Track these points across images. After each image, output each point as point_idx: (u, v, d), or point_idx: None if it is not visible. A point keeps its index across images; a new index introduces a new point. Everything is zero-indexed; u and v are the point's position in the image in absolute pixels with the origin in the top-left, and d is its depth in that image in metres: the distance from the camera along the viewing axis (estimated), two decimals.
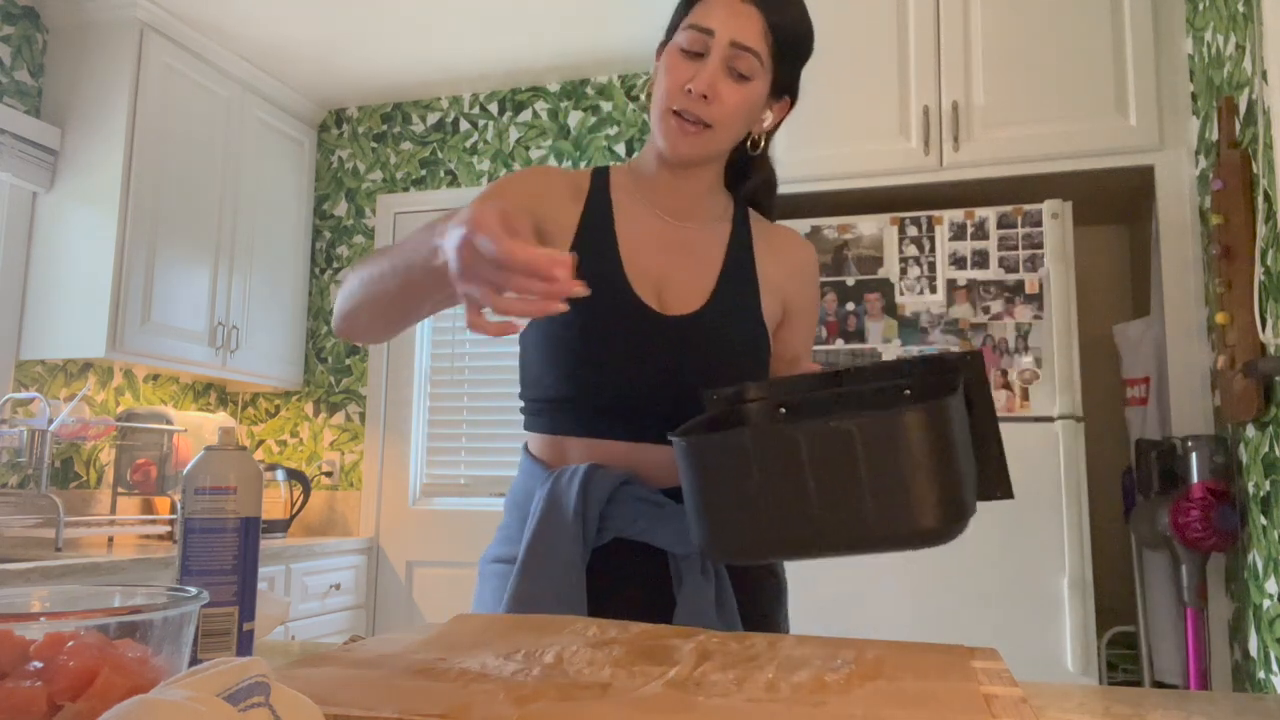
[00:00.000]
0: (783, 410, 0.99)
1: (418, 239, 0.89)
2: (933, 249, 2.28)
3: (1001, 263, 2.22)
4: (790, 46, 1.08)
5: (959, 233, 2.26)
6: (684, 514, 1.02)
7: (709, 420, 0.96)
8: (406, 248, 0.92)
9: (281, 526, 3.38)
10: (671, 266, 1.11)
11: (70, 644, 0.50)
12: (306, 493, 3.47)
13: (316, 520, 3.68)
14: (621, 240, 1.11)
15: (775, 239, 1.20)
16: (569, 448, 1.09)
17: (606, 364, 1.06)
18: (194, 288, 3.20)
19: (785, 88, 1.13)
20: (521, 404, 1.15)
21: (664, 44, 1.11)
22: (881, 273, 2.31)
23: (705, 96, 1.03)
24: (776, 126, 1.17)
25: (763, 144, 1.17)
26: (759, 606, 1.10)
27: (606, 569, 1.04)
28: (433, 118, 3.80)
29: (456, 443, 3.60)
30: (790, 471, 0.79)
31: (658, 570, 1.05)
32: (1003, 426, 2.19)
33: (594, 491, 1.03)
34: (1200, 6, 2.19)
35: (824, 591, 2.22)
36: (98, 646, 0.50)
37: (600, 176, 1.17)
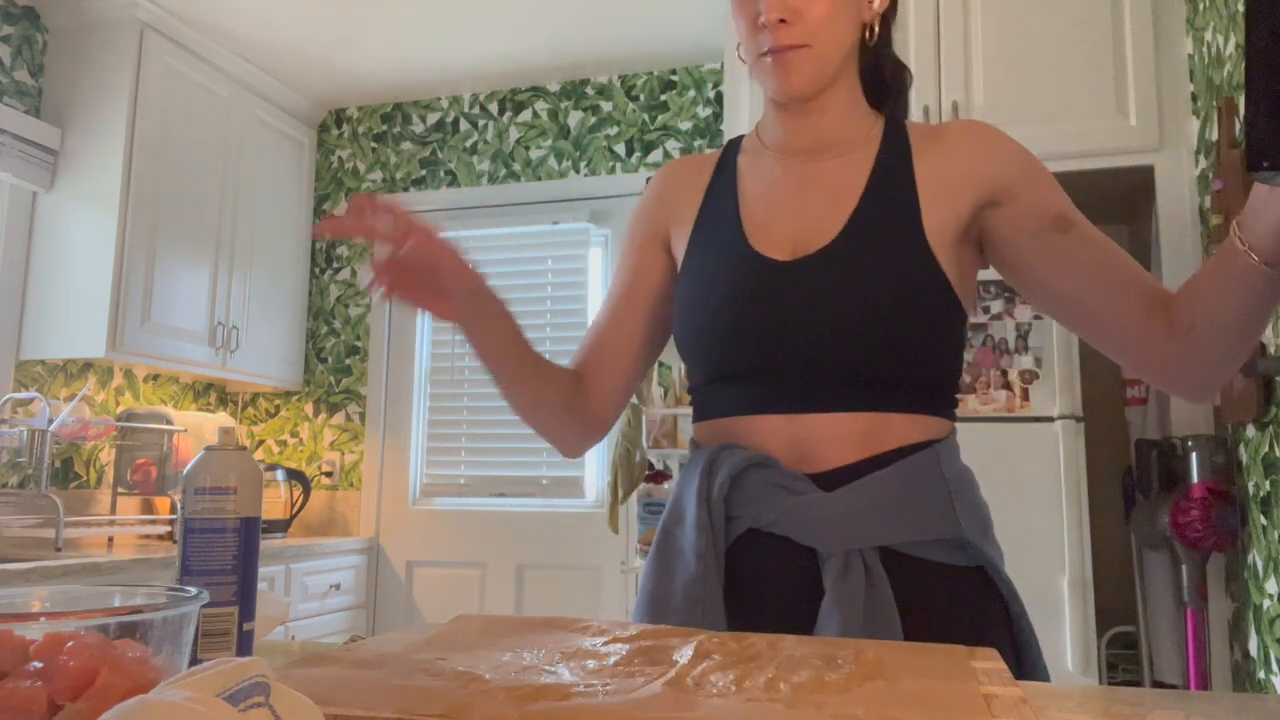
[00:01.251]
0: None
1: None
2: None
3: None
4: None
5: None
6: (825, 501, 0.88)
7: None
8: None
9: (281, 526, 3.38)
10: (802, 208, 0.97)
11: (70, 644, 0.50)
12: (306, 493, 3.47)
13: (316, 520, 3.68)
14: (743, 197, 1.01)
15: (945, 136, 0.98)
16: (719, 428, 0.97)
17: (729, 328, 0.93)
18: (194, 288, 3.20)
19: None
20: (689, 397, 1.12)
21: None
22: None
23: (783, 20, 0.90)
24: (893, 3, 1.00)
25: (879, 29, 1.00)
26: (959, 621, 0.88)
27: (746, 565, 0.91)
28: (433, 118, 3.80)
29: (456, 443, 3.60)
30: None
31: (802, 568, 0.88)
32: (1003, 426, 2.20)
33: (717, 474, 0.91)
34: (1200, 6, 2.19)
35: None
36: (98, 646, 0.50)
37: (732, 147, 1.08)
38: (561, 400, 1.03)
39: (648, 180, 2.97)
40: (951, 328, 0.94)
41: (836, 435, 0.90)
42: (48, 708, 0.48)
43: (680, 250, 1.04)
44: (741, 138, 1.09)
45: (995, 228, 0.95)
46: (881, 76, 1.04)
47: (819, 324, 0.90)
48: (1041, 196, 0.93)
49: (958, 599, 0.89)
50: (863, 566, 0.85)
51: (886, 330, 0.89)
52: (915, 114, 2.45)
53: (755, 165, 1.03)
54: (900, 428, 0.91)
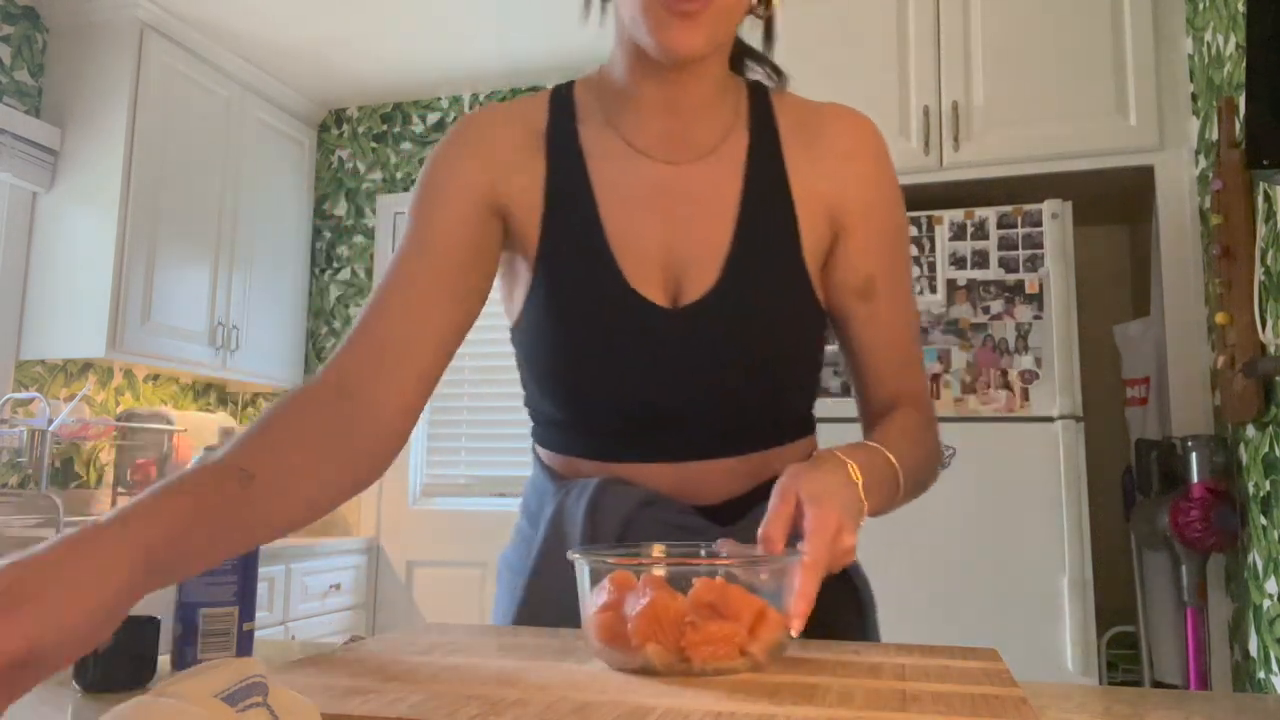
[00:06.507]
0: None
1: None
2: (933, 249, 2.28)
3: (1001, 263, 2.22)
4: None
5: (959, 233, 2.26)
6: (723, 536, 0.81)
7: None
8: None
9: None
10: (676, 230, 0.84)
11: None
12: None
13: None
14: (604, 206, 0.84)
15: (815, 126, 0.88)
16: (583, 468, 0.88)
17: (610, 383, 0.83)
18: (194, 288, 3.20)
19: None
20: (527, 409, 0.94)
21: None
22: None
23: None
24: None
25: (775, 2, 0.87)
26: (833, 618, 0.82)
27: None
28: (433, 118, 3.80)
29: (456, 443, 3.60)
30: None
31: None
32: (1003, 426, 2.20)
33: (604, 518, 0.82)
34: (1200, 6, 2.19)
35: None
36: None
37: (561, 108, 0.89)
38: (327, 486, 0.72)
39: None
40: (820, 354, 0.91)
41: (723, 474, 0.86)
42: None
43: (523, 248, 0.86)
44: (569, 92, 0.91)
45: (826, 260, 0.89)
46: (738, 47, 0.92)
47: (705, 379, 0.83)
48: (869, 245, 0.87)
49: (824, 601, 0.85)
50: None
51: (773, 379, 0.86)
52: (915, 114, 2.45)
53: (607, 155, 0.86)
54: (782, 456, 0.89)
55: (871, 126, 0.89)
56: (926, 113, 2.44)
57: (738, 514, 0.86)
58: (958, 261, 2.25)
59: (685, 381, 0.83)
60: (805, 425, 0.93)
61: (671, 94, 0.84)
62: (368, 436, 0.76)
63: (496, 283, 0.91)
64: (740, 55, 0.93)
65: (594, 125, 0.87)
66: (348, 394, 0.76)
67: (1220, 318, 1.85)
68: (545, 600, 0.84)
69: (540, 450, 0.94)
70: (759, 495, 0.85)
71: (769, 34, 0.90)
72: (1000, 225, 2.24)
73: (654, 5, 0.76)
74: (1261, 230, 1.74)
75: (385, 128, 3.85)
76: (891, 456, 0.78)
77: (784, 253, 0.84)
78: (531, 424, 0.95)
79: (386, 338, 0.79)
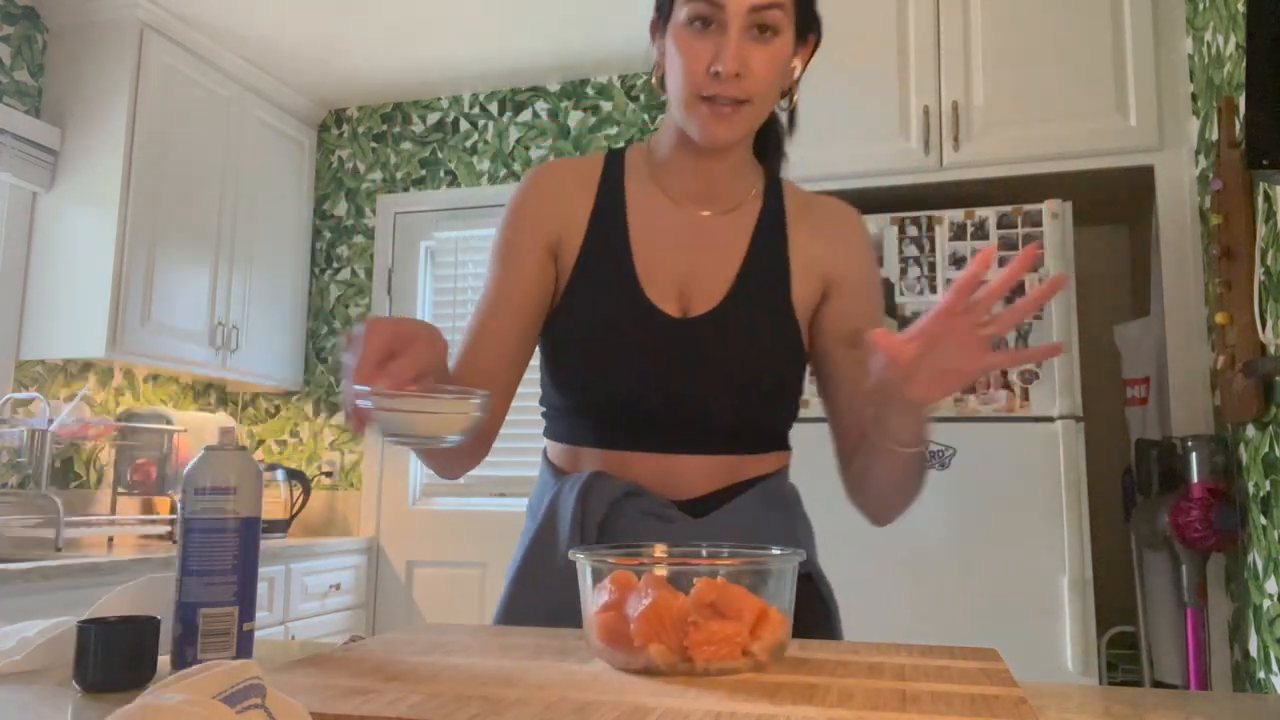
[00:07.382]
0: None
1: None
2: (933, 249, 2.28)
3: (1001, 263, 2.22)
4: None
5: (959, 233, 2.26)
6: (694, 527, 0.97)
7: None
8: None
9: (281, 526, 3.38)
10: (692, 262, 1.03)
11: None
12: (306, 493, 3.47)
13: (316, 520, 3.68)
14: (635, 238, 1.04)
15: (815, 209, 1.09)
16: (584, 457, 1.04)
17: (618, 375, 1.00)
18: (194, 288, 3.20)
19: (808, 25, 1.01)
20: (541, 409, 1.10)
21: (659, 20, 1.02)
22: (881, 273, 2.30)
23: (738, 74, 0.93)
24: (804, 71, 1.05)
25: (796, 97, 1.06)
26: (801, 620, 0.93)
27: None
28: (433, 118, 3.80)
29: None
30: None
31: None
32: (1003, 426, 2.20)
33: (593, 502, 0.97)
34: (1200, 6, 2.19)
35: None
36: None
37: (614, 164, 1.10)
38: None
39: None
40: (800, 381, 1.07)
41: (701, 471, 1.01)
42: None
43: (564, 272, 1.05)
44: (622, 153, 1.11)
45: (818, 313, 1.07)
46: (769, 134, 1.11)
47: (700, 382, 0.99)
48: (855, 304, 1.06)
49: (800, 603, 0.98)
50: None
51: (756, 393, 1.01)
52: (915, 114, 2.45)
53: (646, 201, 1.06)
54: (755, 464, 1.04)
55: (857, 214, 1.11)
56: (926, 113, 2.44)
57: (709, 508, 1.00)
58: (958, 262, 2.25)
59: (680, 380, 0.99)
60: (778, 441, 1.07)
61: (704, 165, 1.05)
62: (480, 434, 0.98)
63: None
64: (763, 133, 1.10)
65: (639, 179, 1.08)
66: None
67: (1220, 318, 1.85)
68: (537, 575, 0.99)
69: (549, 446, 1.09)
70: (728, 495, 1.01)
71: (792, 121, 1.10)
72: (1000, 225, 2.24)
73: (696, 104, 0.96)
74: (1261, 230, 1.74)
75: (385, 128, 3.85)
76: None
77: (776, 293, 1.03)
78: (544, 425, 1.10)
79: (475, 364, 1.01)
